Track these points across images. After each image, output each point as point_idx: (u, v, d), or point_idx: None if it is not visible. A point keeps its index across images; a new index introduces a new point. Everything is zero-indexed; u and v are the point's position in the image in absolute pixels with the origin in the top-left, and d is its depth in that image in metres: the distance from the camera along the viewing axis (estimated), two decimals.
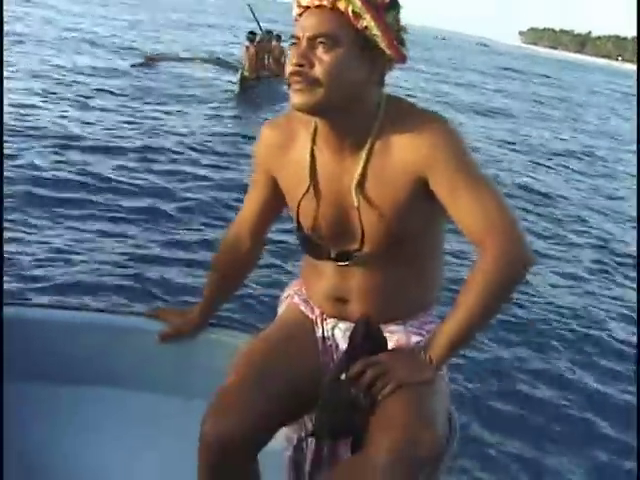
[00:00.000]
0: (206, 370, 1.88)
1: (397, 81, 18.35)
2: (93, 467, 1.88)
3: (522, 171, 10.55)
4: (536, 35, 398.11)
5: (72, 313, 2.11)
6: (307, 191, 1.58)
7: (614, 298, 5.83)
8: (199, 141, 9.04)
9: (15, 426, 1.77)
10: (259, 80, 13.66)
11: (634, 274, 6.36)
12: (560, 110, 22.52)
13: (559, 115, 20.90)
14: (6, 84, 9.46)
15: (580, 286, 5.97)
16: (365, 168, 1.52)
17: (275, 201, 1.72)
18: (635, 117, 14.48)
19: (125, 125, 9.31)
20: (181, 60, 16.95)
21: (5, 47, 16.79)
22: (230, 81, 13.84)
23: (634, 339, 4.85)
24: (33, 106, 9.33)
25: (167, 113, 10.87)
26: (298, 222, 1.62)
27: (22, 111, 8.70)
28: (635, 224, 7.97)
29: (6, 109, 6.64)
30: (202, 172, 7.48)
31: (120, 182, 6.50)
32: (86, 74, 13.00)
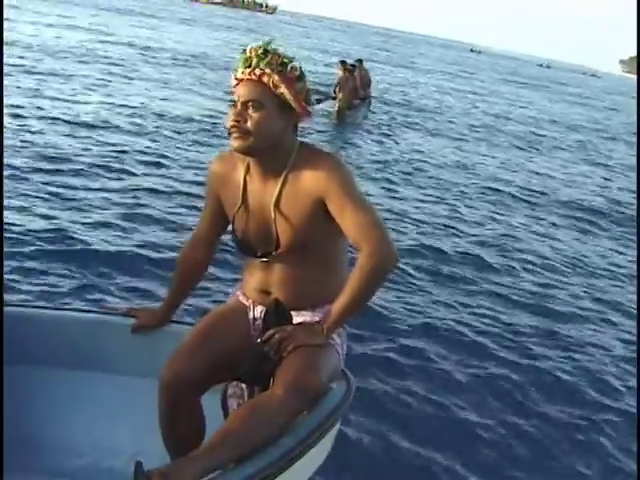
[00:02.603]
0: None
1: None
2: (76, 437, 2.41)
3: None
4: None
5: (65, 312, 2.65)
6: (240, 207, 2.20)
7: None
8: None
9: (13, 403, 2.25)
10: (352, 109, 14.11)
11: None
12: None
13: None
14: None
15: None
16: (281, 192, 2.12)
17: (221, 217, 2.31)
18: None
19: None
20: None
21: None
22: (324, 110, 13.85)
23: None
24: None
25: None
26: (233, 230, 2.25)
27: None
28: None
29: None
30: None
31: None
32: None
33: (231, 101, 2.10)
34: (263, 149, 2.08)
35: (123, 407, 2.46)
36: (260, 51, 2.06)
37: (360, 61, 15.54)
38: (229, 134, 2.08)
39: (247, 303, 2.30)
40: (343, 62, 14.94)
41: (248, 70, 2.05)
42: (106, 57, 17.09)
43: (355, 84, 14.45)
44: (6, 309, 2.38)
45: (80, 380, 2.49)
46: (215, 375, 2.19)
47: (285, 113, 2.08)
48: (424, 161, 10.78)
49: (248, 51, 2.07)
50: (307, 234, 2.11)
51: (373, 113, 15.13)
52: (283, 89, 2.05)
